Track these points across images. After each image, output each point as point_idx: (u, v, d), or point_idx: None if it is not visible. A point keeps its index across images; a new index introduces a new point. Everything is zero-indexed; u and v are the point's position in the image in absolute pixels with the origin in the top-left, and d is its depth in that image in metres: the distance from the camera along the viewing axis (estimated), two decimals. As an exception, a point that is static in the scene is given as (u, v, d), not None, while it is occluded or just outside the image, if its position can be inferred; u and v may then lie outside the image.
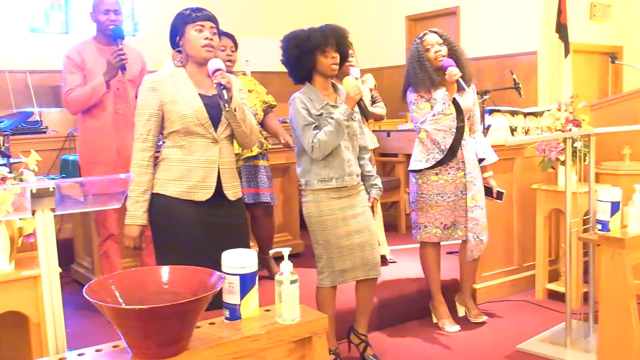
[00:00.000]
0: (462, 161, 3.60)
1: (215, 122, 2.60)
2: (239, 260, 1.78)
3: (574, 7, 6.94)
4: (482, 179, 3.70)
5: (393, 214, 6.06)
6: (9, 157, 3.61)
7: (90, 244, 4.26)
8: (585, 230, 3.39)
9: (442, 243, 3.78)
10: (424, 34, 3.64)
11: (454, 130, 3.55)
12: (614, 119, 4.34)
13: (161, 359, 1.56)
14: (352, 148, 3.09)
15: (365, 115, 3.09)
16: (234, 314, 1.80)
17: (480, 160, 3.70)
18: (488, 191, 3.75)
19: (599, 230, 3.02)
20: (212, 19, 2.62)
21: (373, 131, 5.08)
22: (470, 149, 3.63)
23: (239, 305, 1.80)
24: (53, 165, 4.74)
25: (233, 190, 2.67)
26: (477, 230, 3.62)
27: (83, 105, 3.56)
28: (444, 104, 3.51)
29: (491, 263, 4.26)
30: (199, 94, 2.60)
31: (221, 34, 2.72)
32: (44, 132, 5.11)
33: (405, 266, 4.54)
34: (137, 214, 2.60)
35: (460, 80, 3.44)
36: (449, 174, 3.61)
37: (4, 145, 3.64)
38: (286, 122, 5.46)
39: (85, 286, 1.58)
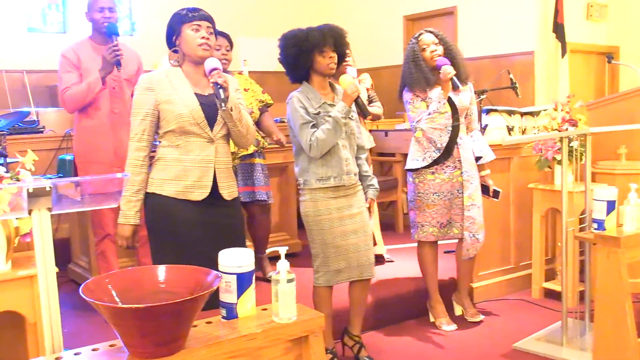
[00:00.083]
0: (459, 160, 3.61)
1: (211, 122, 2.60)
2: (236, 259, 1.79)
3: (570, 7, 6.95)
4: (479, 177, 3.71)
5: (390, 213, 6.07)
6: (5, 156, 3.61)
7: (87, 243, 4.26)
8: (581, 229, 3.41)
9: (439, 242, 3.79)
10: (420, 34, 3.65)
11: (450, 129, 3.56)
12: (610, 119, 4.35)
13: (158, 358, 1.56)
14: (349, 147, 3.10)
15: (363, 111, 3.09)
16: (231, 313, 1.81)
17: (477, 159, 3.70)
18: (485, 190, 3.76)
19: (595, 229, 3.03)
20: (208, 18, 2.63)
21: (370, 131, 5.09)
22: (467, 147, 3.64)
23: (236, 304, 1.80)
24: (50, 164, 4.74)
25: (229, 190, 2.68)
26: (474, 229, 3.63)
27: (79, 103, 3.56)
28: (439, 102, 3.52)
29: (488, 262, 4.27)
30: (195, 94, 2.60)
31: (216, 33, 2.72)
32: (41, 132, 5.10)
33: (402, 265, 4.55)
34: (130, 214, 2.61)
35: (455, 78, 3.45)
36: (445, 173, 3.61)
37: (0, 144, 3.64)
38: (283, 122, 5.49)
39: (82, 285, 1.59)
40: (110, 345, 1.66)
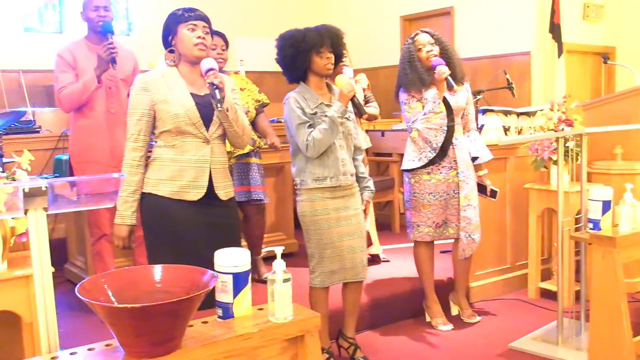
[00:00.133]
0: (455, 160, 3.62)
1: (207, 122, 2.60)
2: (232, 259, 1.79)
3: (567, 7, 6.97)
4: (476, 177, 3.72)
5: (387, 213, 6.08)
6: (1, 156, 3.60)
7: (83, 243, 4.26)
8: (577, 229, 3.41)
9: (435, 242, 3.80)
10: (416, 34, 3.66)
11: (445, 129, 3.57)
12: (606, 119, 4.36)
13: (154, 357, 1.56)
14: (346, 147, 3.10)
15: (359, 110, 3.10)
16: (227, 313, 1.81)
17: (474, 159, 3.71)
18: (482, 189, 3.76)
19: (591, 229, 3.04)
20: (204, 18, 2.63)
21: (367, 131, 5.09)
22: (462, 148, 3.65)
23: (232, 304, 1.80)
24: (46, 164, 4.73)
25: (225, 190, 2.68)
26: (470, 230, 3.63)
27: (75, 102, 3.56)
28: (434, 102, 3.53)
29: (484, 262, 4.28)
30: (191, 94, 2.60)
31: (212, 32, 2.72)
32: (37, 132, 5.10)
33: (399, 265, 4.56)
34: (126, 214, 2.61)
35: (449, 78, 3.46)
36: (440, 173, 3.62)
37: (-3, 144, 3.64)
38: (280, 122, 5.49)
39: (78, 285, 1.59)
40: (106, 345, 1.66)
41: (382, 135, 6.14)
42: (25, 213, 1.67)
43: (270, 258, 2.05)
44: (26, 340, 2.36)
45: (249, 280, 1.83)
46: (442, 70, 3.46)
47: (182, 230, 2.59)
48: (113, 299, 1.63)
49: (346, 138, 3.10)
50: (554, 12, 6.76)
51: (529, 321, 3.83)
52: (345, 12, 8.71)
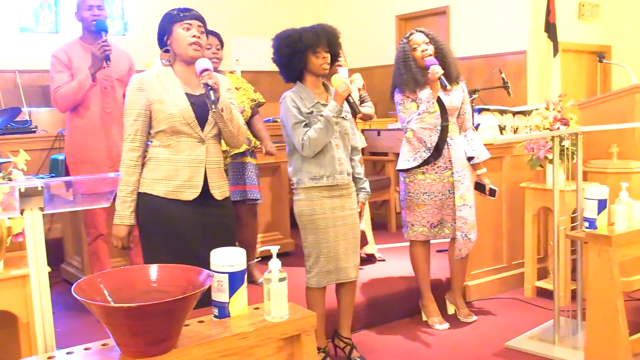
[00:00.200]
0: (450, 160, 3.62)
1: (202, 122, 2.60)
2: (228, 258, 1.79)
3: (562, 6, 6.97)
4: (474, 176, 3.72)
5: (383, 212, 6.08)
6: (-2, 156, 3.60)
7: (79, 243, 4.26)
8: (573, 228, 3.42)
9: (432, 241, 3.81)
10: (411, 34, 3.66)
11: (439, 128, 3.57)
12: (602, 118, 4.37)
13: (150, 357, 1.56)
14: (343, 147, 3.11)
15: (354, 109, 3.10)
16: (223, 312, 1.81)
17: (470, 159, 3.72)
18: (481, 188, 3.77)
19: (587, 228, 3.05)
20: (199, 18, 2.63)
21: (362, 130, 5.10)
22: (458, 147, 3.65)
23: (228, 303, 1.81)
24: (43, 164, 4.73)
25: (220, 190, 2.68)
26: (466, 229, 3.64)
27: (71, 102, 3.56)
28: (428, 102, 3.53)
29: (480, 261, 4.29)
30: (186, 94, 2.60)
31: (207, 32, 2.73)
32: (34, 132, 5.09)
33: (395, 264, 4.56)
34: (125, 214, 2.61)
35: (443, 78, 3.46)
36: (435, 173, 3.62)
37: (-7, 144, 3.64)
38: (276, 122, 5.49)
39: (74, 285, 1.59)
40: (103, 345, 1.66)
41: (378, 134, 6.15)
42: (22, 213, 1.67)
43: (266, 257, 2.05)
44: (23, 340, 2.36)
45: (245, 280, 1.83)
46: (436, 70, 3.46)
47: (177, 230, 2.59)
48: (109, 299, 1.63)
49: (343, 137, 3.10)
50: (550, 11, 6.76)
51: (525, 320, 3.84)
52: (341, 12, 8.71)
